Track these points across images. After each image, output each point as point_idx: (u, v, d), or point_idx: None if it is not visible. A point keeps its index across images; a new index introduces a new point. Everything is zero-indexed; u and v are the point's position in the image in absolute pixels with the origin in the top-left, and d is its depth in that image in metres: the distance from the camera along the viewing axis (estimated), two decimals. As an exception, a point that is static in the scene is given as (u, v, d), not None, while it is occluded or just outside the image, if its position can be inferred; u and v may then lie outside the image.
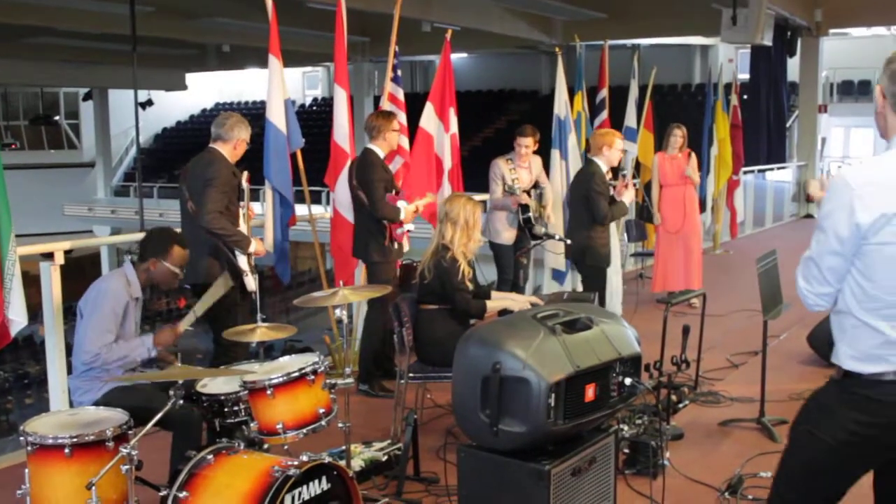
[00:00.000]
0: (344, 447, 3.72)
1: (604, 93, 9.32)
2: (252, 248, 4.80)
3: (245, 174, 4.85)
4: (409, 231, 5.67)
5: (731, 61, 21.38)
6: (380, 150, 5.53)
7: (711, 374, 5.81)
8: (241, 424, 3.52)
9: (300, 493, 3.03)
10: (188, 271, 4.64)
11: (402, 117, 6.30)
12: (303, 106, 30.82)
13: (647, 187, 8.63)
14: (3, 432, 13.66)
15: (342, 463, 3.42)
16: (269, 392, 3.38)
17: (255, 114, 20.19)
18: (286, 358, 3.76)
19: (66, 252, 4.64)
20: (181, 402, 3.12)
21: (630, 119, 9.71)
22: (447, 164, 6.69)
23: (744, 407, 5.12)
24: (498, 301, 4.84)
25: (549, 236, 6.45)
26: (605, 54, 9.43)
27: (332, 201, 6.23)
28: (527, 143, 6.67)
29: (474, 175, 8.27)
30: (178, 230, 4.42)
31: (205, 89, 31.51)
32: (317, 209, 6.70)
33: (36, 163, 28.23)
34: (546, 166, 7.20)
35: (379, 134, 5.52)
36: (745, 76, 16.39)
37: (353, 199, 5.58)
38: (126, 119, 26.07)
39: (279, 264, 5.76)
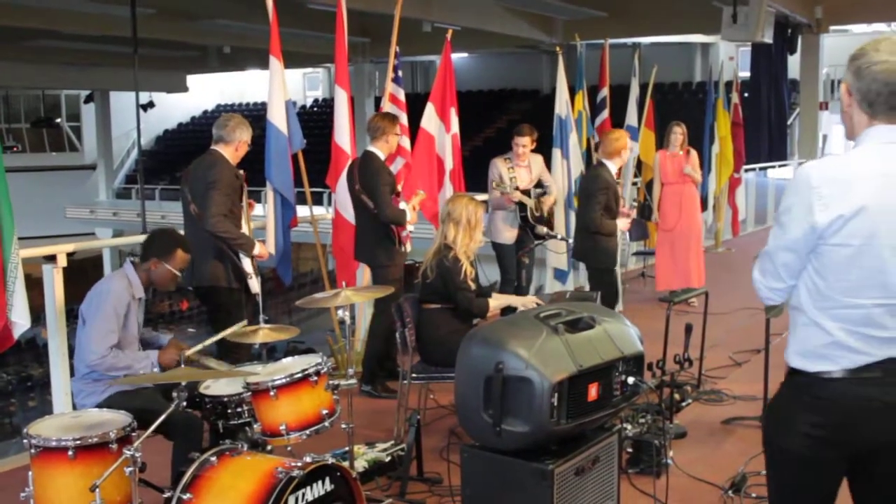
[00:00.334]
0: (347, 448, 3.73)
1: (605, 92, 9.32)
2: (256, 251, 4.82)
3: (241, 172, 4.87)
4: (410, 232, 5.68)
5: (731, 59, 21.40)
6: (380, 152, 5.52)
7: (714, 372, 5.80)
8: (245, 426, 3.52)
9: (304, 495, 3.03)
10: (192, 274, 4.65)
11: (404, 118, 6.30)
12: (304, 107, 30.81)
13: (649, 186, 8.63)
14: (6, 435, 13.67)
15: (345, 464, 3.42)
16: (272, 393, 3.38)
17: (256, 115, 20.20)
18: (289, 359, 3.76)
19: (69, 254, 4.65)
20: (184, 404, 3.12)
21: (631, 118, 9.69)
22: (448, 164, 6.68)
23: (747, 405, 5.11)
24: (500, 299, 4.85)
25: (551, 236, 6.45)
26: (605, 53, 9.43)
27: (333, 202, 6.23)
28: (524, 143, 6.66)
29: (476, 175, 8.25)
30: (182, 232, 4.43)
31: (206, 91, 31.52)
32: (318, 210, 6.71)
33: (37, 165, 28.20)
34: (548, 166, 7.19)
35: (382, 136, 5.51)
36: (745, 74, 16.41)
37: (355, 204, 5.57)
38: (127, 121, 26.02)
39: (281, 266, 5.76)
